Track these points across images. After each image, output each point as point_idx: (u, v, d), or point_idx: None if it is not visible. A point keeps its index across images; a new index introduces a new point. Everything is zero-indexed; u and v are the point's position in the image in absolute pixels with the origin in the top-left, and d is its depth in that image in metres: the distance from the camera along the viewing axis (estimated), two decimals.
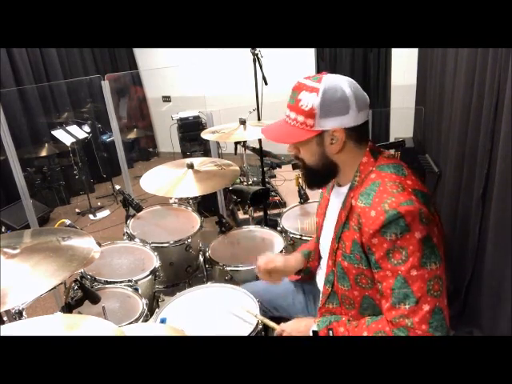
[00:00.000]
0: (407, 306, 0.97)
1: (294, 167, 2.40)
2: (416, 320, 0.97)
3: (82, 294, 1.32)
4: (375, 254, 1.01)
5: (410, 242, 0.96)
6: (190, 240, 1.95)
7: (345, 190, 1.13)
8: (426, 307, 0.97)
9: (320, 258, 1.34)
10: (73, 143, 3.89)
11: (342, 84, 1.03)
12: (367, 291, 1.10)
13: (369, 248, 1.02)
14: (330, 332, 1.12)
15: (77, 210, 4.13)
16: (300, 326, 1.22)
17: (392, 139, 4.00)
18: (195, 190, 1.89)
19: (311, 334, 1.16)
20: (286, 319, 1.42)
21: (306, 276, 1.45)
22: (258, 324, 1.28)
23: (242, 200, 2.16)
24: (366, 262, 1.06)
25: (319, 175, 1.15)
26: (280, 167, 3.55)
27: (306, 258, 1.43)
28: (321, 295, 1.26)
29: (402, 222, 0.95)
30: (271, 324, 1.28)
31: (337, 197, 1.19)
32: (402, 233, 0.95)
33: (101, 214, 4.05)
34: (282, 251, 1.81)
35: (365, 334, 1.06)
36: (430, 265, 0.97)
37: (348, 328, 1.10)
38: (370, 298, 1.10)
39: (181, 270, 1.99)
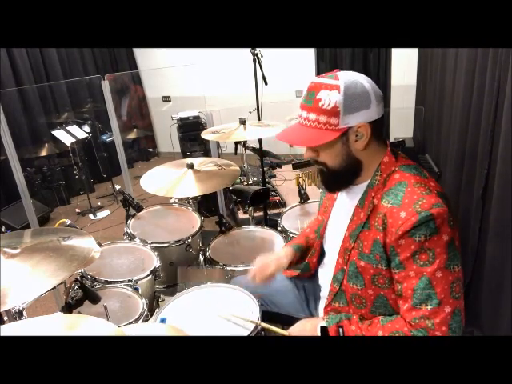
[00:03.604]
0: (429, 307, 0.98)
1: (294, 167, 2.40)
2: (437, 321, 0.97)
3: (82, 293, 1.32)
4: (400, 255, 1.00)
5: (437, 244, 0.96)
6: (190, 240, 1.95)
7: (360, 188, 1.11)
8: (448, 309, 0.97)
9: (323, 254, 1.34)
10: (73, 143, 3.89)
11: (359, 78, 1.03)
12: (383, 290, 1.09)
13: (393, 249, 1.01)
14: (340, 330, 1.11)
15: (77, 210, 4.13)
16: (306, 327, 1.20)
17: (392, 139, 4.00)
18: (195, 190, 1.89)
19: (319, 333, 1.14)
20: (284, 316, 1.42)
21: (305, 273, 1.44)
22: (257, 324, 1.28)
23: (242, 200, 2.16)
24: (386, 262, 1.05)
25: (343, 176, 1.11)
26: (280, 167, 3.55)
27: (298, 252, 1.42)
28: (327, 293, 1.24)
29: (433, 223, 0.95)
30: (276, 330, 1.25)
31: (348, 195, 1.17)
32: (431, 234, 0.95)
33: (101, 214, 4.05)
34: None
35: (380, 333, 1.05)
36: (453, 267, 0.98)
37: (361, 327, 1.09)
38: (385, 297, 1.09)
39: None
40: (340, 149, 1.06)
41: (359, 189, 1.12)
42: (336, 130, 1.02)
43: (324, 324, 1.14)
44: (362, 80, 1.03)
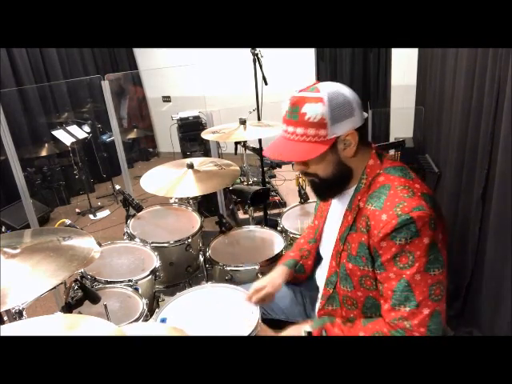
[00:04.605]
0: (407, 309, 0.98)
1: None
2: (415, 323, 0.98)
3: (82, 293, 1.32)
4: (382, 257, 1.01)
5: (417, 247, 0.97)
6: (190, 240, 1.95)
7: (349, 192, 1.13)
8: (426, 311, 0.98)
9: (320, 258, 1.34)
10: (73, 143, 3.89)
11: (339, 88, 1.04)
12: (371, 292, 1.10)
13: (376, 250, 1.03)
14: (324, 332, 1.13)
15: (77, 210, 4.13)
16: (293, 332, 1.21)
17: (392, 139, 4.00)
18: (195, 190, 1.89)
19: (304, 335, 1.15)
20: (282, 321, 1.42)
21: (300, 274, 1.45)
22: (258, 324, 1.28)
23: (242, 200, 2.16)
24: (372, 264, 1.06)
25: (335, 184, 1.12)
26: (280, 167, 3.55)
27: (292, 269, 1.43)
28: (320, 297, 1.26)
29: (413, 227, 0.96)
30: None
31: (340, 199, 1.19)
32: (411, 238, 0.96)
33: (101, 214, 4.05)
34: (280, 251, 1.81)
35: (361, 334, 1.07)
36: (434, 270, 0.98)
37: (343, 328, 1.11)
38: (374, 298, 1.11)
39: (181, 270, 1.99)
40: (330, 159, 1.07)
41: (350, 192, 1.13)
42: (325, 141, 1.03)
43: (308, 329, 1.15)
44: (342, 89, 1.04)
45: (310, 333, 1.15)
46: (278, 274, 1.42)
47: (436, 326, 0.99)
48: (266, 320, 1.36)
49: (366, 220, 1.05)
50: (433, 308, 0.98)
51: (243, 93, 3.38)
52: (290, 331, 1.23)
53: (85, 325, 0.89)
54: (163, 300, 1.79)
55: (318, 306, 1.27)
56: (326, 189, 1.15)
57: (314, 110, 1.01)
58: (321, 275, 1.32)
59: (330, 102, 1.01)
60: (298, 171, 1.15)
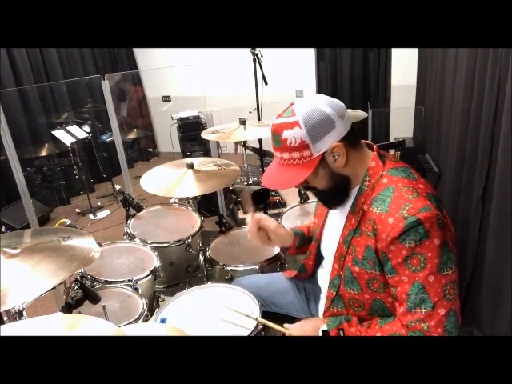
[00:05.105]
0: (424, 311, 0.98)
1: None
2: (432, 324, 0.98)
3: (82, 293, 1.32)
4: (392, 261, 1.01)
5: (428, 249, 0.96)
6: (190, 240, 1.95)
7: (352, 194, 1.13)
8: (442, 311, 0.98)
9: (321, 257, 1.34)
10: (73, 143, 3.89)
11: (315, 104, 1.04)
12: (379, 295, 1.10)
13: (385, 254, 1.02)
14: (341, 332, 1.13)
15: (77, 210, 4.13)
16: (307, 328, 1.22)
17: (392, 139, 4.01)
18: (195, 190, 1.89)
19: (320, 335, 1.16)
20: (284, 316, 1.42)
21: (302, 274, 1.45)
22: (258, 324, 1.28)
23: (242, 200, 2.16)
24: (379, 267, 1.06)
25: (336, 194, 1.13)
26: None
27: (298, 237, 1.43)
28: (324, 298, 1.26)
29: (421, 228, 0.95)
30: (275, 326, 1.27)
31: None
32: (421, 239, 0.96)
33: (101, 214, 4.05)
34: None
35: (378, 334, 1.07)
36: (447, 270, 0.98)
37: (360, 329, 1.11)
38: (381, 300, 1.10)
39: (181, 270, 1.99)
40: (323, 173, 1.08)
41: (352, 194, 1.13)
42: (312, 161, 1.05)
43: (325, 327, 1.16)
44: (319, 104, 1.03)
45: (326, 331, 1.15)
46: (285, 230, 1.44)
47: (452, 324, 0.99)
48: (268, 314, 1.36)
49: (372, 224, 1.04)
50: (448, 308, 0.98)
51: (243, 93, 3.39)
52: (298, 328, 1.23)
53: (85, 325, 0.89)
54: (163, 300, 1.79)
55: (322, 307, 1.27)
56: (330, 198, 1.17)
57: (292, 135, 1.03)
58: (323, 276, 1.32)
59: (305, 123, 1.01)
60: (298, 188, 1.17)
